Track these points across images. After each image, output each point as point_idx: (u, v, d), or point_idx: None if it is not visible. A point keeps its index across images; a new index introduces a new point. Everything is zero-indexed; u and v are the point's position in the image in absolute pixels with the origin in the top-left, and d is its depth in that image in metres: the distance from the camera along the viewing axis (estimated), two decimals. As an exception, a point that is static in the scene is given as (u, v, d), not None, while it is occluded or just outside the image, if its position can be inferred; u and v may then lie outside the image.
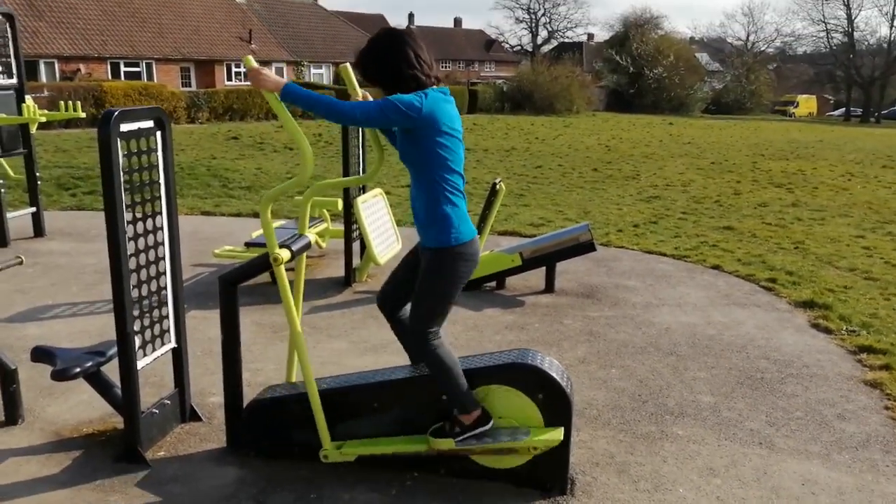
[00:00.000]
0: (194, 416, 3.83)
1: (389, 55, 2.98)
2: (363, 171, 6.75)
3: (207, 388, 4.21)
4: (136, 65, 31.95)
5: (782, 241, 8.73)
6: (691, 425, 3.92)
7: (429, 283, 3.08)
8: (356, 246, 6.52)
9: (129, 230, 3.26)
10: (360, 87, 3.32)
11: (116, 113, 3.11)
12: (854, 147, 25.25)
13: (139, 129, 3.28)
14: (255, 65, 2.94)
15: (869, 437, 3.84)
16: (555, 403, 3.15)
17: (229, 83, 34.76)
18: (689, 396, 4.28)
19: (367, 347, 4.95)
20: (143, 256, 3.43)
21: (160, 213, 3.51)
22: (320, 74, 41.27)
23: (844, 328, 5.51)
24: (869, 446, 3.74)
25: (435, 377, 3.13)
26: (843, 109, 60.80)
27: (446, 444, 3.14)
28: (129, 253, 3.24)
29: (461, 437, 3.13)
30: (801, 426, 3.95)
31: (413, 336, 3.13)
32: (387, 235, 6.33)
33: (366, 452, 3.27)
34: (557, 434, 3.13)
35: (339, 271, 6.67)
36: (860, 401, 4.29)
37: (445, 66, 55.69)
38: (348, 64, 3.26)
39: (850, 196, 12.92)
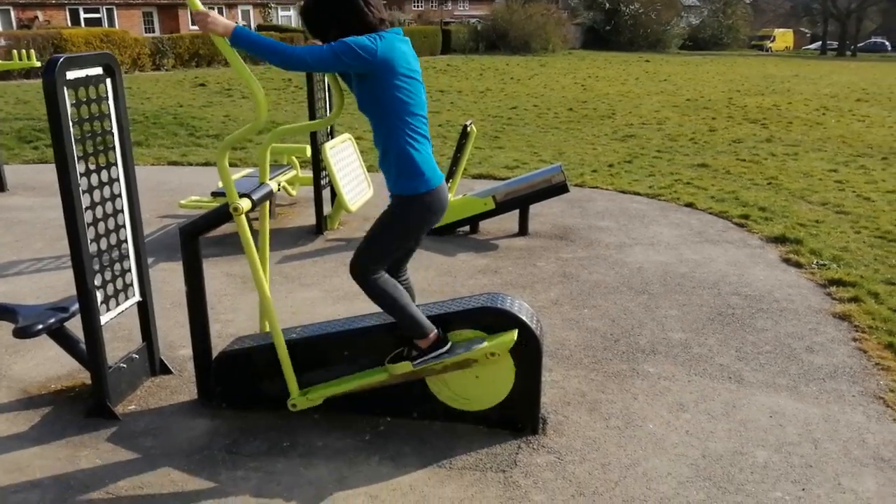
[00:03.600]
0: (164, 370, 3.79)
1: (334, 4, 2.83)
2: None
3: (177, 341, 4.16)
4: (97, 10, 30.88)
5: (756, 178, 8.75)
6: (662, 362, 3.96)
7: (386, 225, 3.02)
8: (326, 193, 6.42)
9: (84, 183, 3.15)
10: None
11: (61, 60, 2.96)
12: (829, 81, 25.24)
13: (87, 76, 3.13)
14: (202, 7, 2.78)
15: (836, 369, 3.90)
16: (525, 346, 3.15)
17: (194, 28, 33.74)
18: (661, 334, 4.31)
19: (339, 296, 4.91)
20: (99, 209, 3.33)
21: (115, 164, 3.39)
22: (288, 16, 40.18)
23: (815, 262, 5.55)
24: (836, 377, 3.80)
25: (383, 309, 3.09)
26: (820, 43, 60.60)
27: (404, 367, 3.13)
28: (84, 206, 3.14)
29: (419, 360, 3.11)
30: (770, 360, 4.00)
31: (351, 271, 3.05)
32: (357, 182, 6.23)
33: (330, 393, 3.26)
34: (511, 335, 3.11)
35: (309, 219, 6.58)
36: (828, 333, 4.34)
37: (417, 6, 54.39)
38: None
39: (824, 130, 12.94)
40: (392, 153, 2.93)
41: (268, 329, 3.56)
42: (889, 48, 64.10)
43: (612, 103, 16.81)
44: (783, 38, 62.60)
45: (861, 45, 59.24)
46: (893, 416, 3.43)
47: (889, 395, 3.61)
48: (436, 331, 3.11)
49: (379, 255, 3.04)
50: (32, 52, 7.45)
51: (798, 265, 5.53)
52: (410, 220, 2.98)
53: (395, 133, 2.91)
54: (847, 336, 4.31)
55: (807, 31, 69.22)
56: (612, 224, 6.65)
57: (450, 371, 3.17)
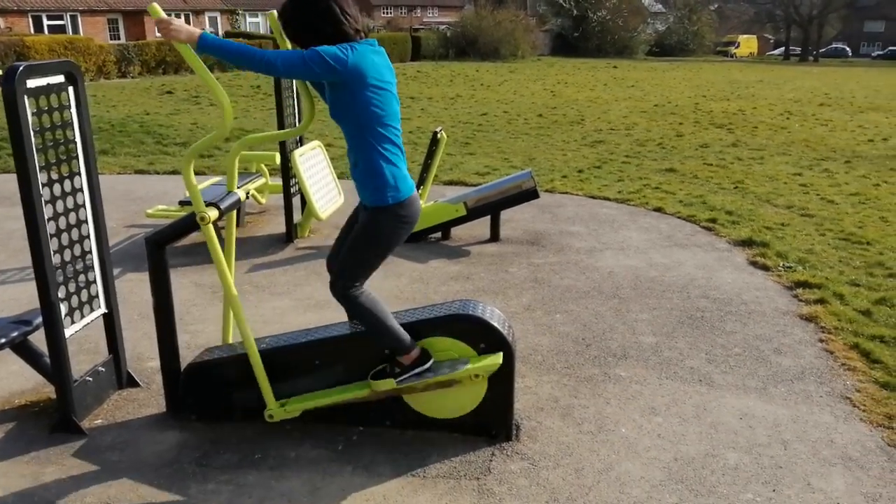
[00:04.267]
0: (132, 382, 3.72)
1: (312, 11, 2.83)
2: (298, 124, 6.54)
3: (145, 353, 4.09)
4: (60, 17, 30.40)
5: (723, 182, 8.87)
6: (633, 366, 3.98)
7: (362, 239, 2.99)
8: (296, 201, 6.36)
9: (46, 193, 3.08)
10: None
11: (22, 68, 2.90)
12: (793, 86, 25.76)
13: (48, 84, 3.07)
14: (164, 14, 2.76)
15: (804, 370, 3.95)
16: (497, 352, 3.14)
17: (160, 35, 33.36)
18: (632, 338, 4.34)
19: (310, 304, 4.87)
20: (62, 220, 3.26)
21: (79, 174, 3.32)
22: (256, 23, 39.93)
23: (781, 265, 5.64)
24: (804, 378, 3.86)
25: (365, 327, 3.08)
26: (783, 49, 61.85)
27: (387, 384, 3.11)
28: (47, 217, 3.07)
29: (402, 377, 3.10)
30: (739, 362, 4.05)
31: (332, 288, 3.04)
32: (328, 189, 6.19)
33: (310, 406, 3.23)
34: (497, 358, 3.11)
35: (279, 227, 6.53)
36: (796, 335, 4.41)
37: (387, 13, 54.41)
38: (275, 12, 3.12)
39: (788, 134, 13.18)
40: (362, 164, 2.93)
41: (230, 340, 3.52)
42: (850, 54, 65.69)
43: (581, 109, 16.96)
44: (747, 44, 63.82)
45: (823, 50, 60.57)
46: (860, 415, 3.49)
47: (855, 396, 3.67)
48: (417, 347, 3.11)
49: (358, 271, 3.02)
50: (-7, 59, 7.29)
51: (765, 268, 5.62)
52: (383, 232, 2.96)
53: (366, 144, 2.90)
54: (814, 337, 4.38)
55: (770, 37, 70.58)
56: (582, 229, 6.70)
57: (432, 389, 3.15)
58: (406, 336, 3.09)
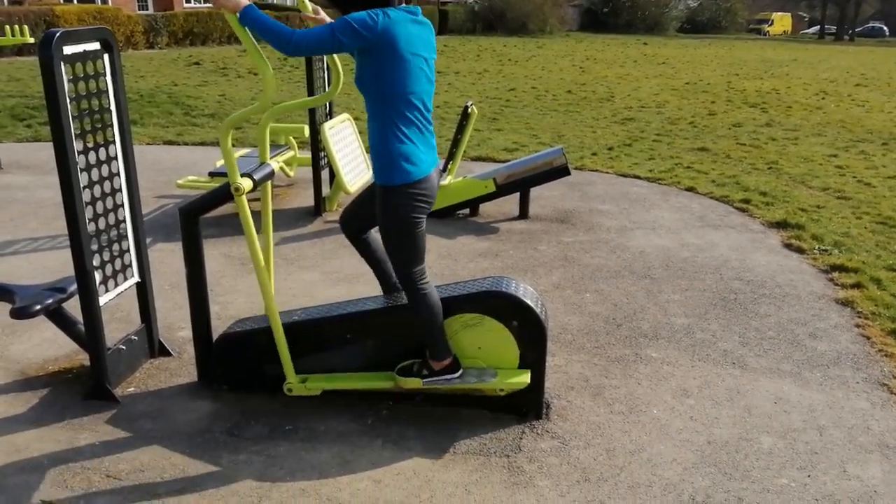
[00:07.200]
0: (163, 351, 3.75)
1: None
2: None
3: (176, 323, 4.11)
4: (90, -13, 30.37)
5: (756, 162, 8.70)
6: (665, 347, 3.93)
7: (385, 226, 2.94)
8: (325, 174, 6.34)
9: (81, 161, 3.08)
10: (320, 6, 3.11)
11: (58, 34, 2.88)
12: (828, 65, 25.16)
13: (84, 51, 3.06)
14: None
15: (840, 355, 3.88)
16: (529, 330, 3.11)
17: (188, 5, 33.33)
18: (663, 319, 4.29)
19: (339, 278, 4.87)
20: (97, 188, 3.27)
21: (113, 142, 3.32)
22: (285, -5, 39.66)
23: (817, 248, 5.53)
24: (840, 364, 3.79)
25: (416, 319, 3.06)
26: (818, 27, 60.39)
27: (414, 383, 3.13)
28: (82, 185, 3.07)
29: (429, 379, 3.13)
30: (773, 345, 3.98)
31: (399, 280, 3.03)
32: (357, 163, 6.16)
33: (330, 387, 3.25)
34: (525, 377, 3.13)
35: (308, 201, 6.52)
36: (832, 319, 4.32)
37: (415, -14, 53.89)
38: None
39: (823, 115, 12.89)
40: (375, 139, 2.85)
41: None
42: (887, 33, 63.94)
43: (610, 86, 16.71)
44: (781, 21, 62.37)
45: (859, 29, 59.03)
46: (898, 402, 3.42)
47: (893, 382, 3.59)
48: (453, 356, 3.12)
49: (402, 255, 2.96)
50: (26, 28, 7.32)
51: (800, 251, 5.51)
52: (397, 212, 2.87)
53: (382, 119, 2.80)
54: (850, 322, 4.29)
55: (805, 15, 68.95)
56: (612, 208, 6.61)
57: (455, 393, 3.20)
58: (447, 342, 3.11)
